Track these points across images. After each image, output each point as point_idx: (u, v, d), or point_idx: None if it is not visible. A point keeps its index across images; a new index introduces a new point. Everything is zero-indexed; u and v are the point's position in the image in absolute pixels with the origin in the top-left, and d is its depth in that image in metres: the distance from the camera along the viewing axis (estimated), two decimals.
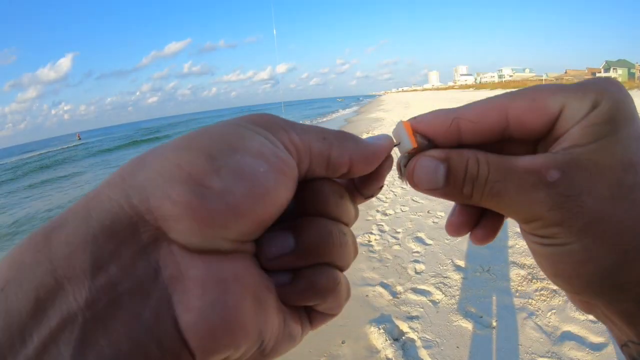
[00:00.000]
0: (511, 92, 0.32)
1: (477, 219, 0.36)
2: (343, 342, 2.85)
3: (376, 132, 13.61)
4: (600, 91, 0.29)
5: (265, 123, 0.28)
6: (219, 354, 0.23)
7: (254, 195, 0.25)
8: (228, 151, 0.25)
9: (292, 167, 0.28)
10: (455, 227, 0.36)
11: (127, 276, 0.22)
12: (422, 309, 3.08)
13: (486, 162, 0.31)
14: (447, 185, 0.32)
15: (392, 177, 7.49)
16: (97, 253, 0.22)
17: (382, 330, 2.87)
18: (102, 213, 0.23)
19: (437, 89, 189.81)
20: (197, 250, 0.24)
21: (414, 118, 0.35)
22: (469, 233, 0.37)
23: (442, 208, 5.28)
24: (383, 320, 3.01)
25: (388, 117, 23.04)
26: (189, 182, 0.23)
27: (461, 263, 3.65)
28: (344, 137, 0.31)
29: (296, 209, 0.30)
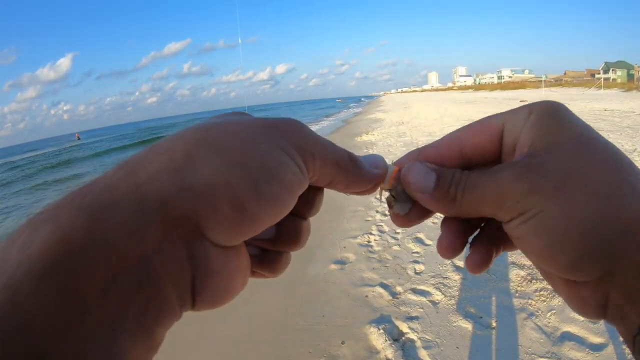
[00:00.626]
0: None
1: (465, 239, 0.39)
2: (343, 343, 2.85)
3: (376, 133, 13.56)
4: (532, 105, 0.35)
5: (297, 145, 0.32)
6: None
7: (277, 217, 0.31)
8: (268, 179, 0.29)
9: (305, 187, 0.33)
10: (446, 248, 0.38)
11: (168, 263, 0.26)
12: (421, 310, 3.07)
13: (467, 172, 0.35)
14: (436, 188, 0.35)
15: None
16: (147, 243, 0.25)
17: (381, 331, 2.86)
18: (155, 202, 0.26)
19: (437, 89, 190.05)
20: (220, 246, 0.28)
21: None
22: (466, 262, 0.39)
23: None
24: (383, 321, 3.00)
25: (387, 117, 23.06)
26: (234, 202, 0.27)
27: (461, 264, 3.64)
28: (354, 164, 0.36)
29: None
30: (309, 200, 0.37)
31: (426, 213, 0.38)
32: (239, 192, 0.28)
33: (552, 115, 0.33)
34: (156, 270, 0.25)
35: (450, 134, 0.38)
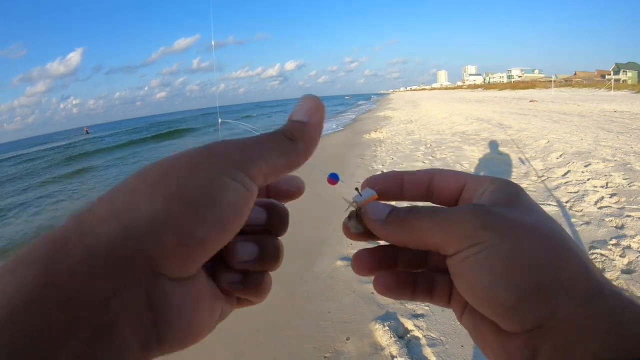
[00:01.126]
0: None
1: (390, 262, 0.42)
2: (348, 339, 2.85)
3: (384, 131, 13.51)
4: (494, 177, 0.38)
5: (235, 161, 0.32)
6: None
7: (225, 239, 0.31)
8: (209, 204, 0.29)
9: (255, 197, 0.33)
10: (364, 263, 0.41)
11: (128, 305, 0.26)
12: (427, 307, 3.06)
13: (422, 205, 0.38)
14: (389, 215, 0.36)
15: None
16: (101, 287, 0.25)
17: (387, 328, 2.86)
18: (103, 249, 0.26)
19: (446, 88, 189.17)
20: (178, 278, 0.29)
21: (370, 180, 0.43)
22: (375, 280, 0.41)
23: None
24: (388, 318, 3.00)
25: (396, 115, 23.00)
26: (179, 234, 0.28)
27: None
28: (289, 138, 0.37)
29: (262, 224, 0.39)
30: (281, 219, 0.40)
31: (373, 239, 0.40)
32: (182, 223, 0.28)
33: (512, 186, 0.36)
34: (116, 314, 0.25)
35: (428, 170, 0.41)
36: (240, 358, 2.93)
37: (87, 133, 74.96)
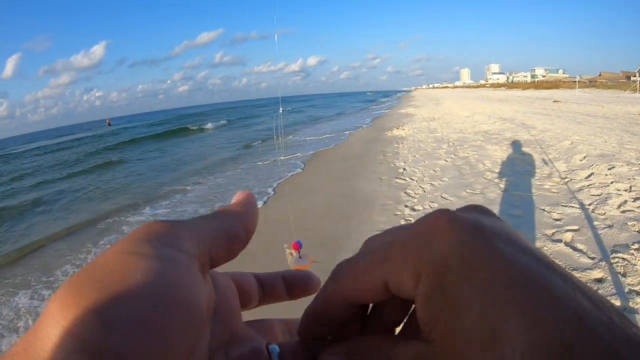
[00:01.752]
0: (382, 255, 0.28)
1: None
2: None
3: (406, 128, 13.41)
4: (420, 258, 0.24)
5: (167, 240, 0.27)
6: None
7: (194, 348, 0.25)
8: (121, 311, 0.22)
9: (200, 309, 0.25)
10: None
11: None
12: None
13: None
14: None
15: (421, 173, 7.47)
16: None
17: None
18: None
19: (468, 86, 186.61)
20: None
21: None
22: None
23: None
24: None
25: (418, 113, 22.82)
26: (86, 350, 0.21)
27: None
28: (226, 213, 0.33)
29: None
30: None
31: None
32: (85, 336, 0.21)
33: (441, 292, 0.23)
34: None
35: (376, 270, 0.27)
36: None
37: (110, 125, 74.22)
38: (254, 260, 4.03)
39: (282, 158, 10.37)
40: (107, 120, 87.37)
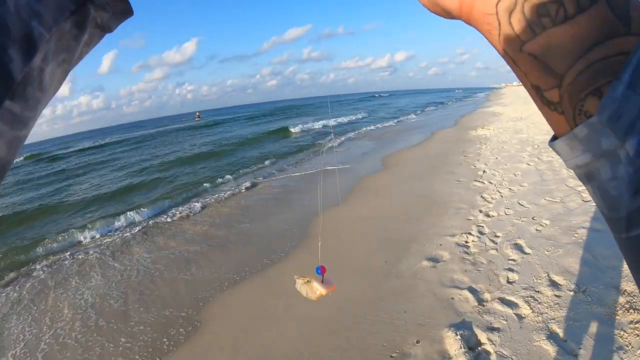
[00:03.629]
0: None
1: None
2: (417, 342, 2.82)
3: (491, 128, 12.83)
4: None
5: None
6: None
7: None
8: None
9: None
10: None
11: None
12: (505, 322, 2.91)
13: None
14: None
15: (501, 177, 7.10)
16: None
17: (459, 337, 2.78)
18: None
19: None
20: None
21: None
22: None
23: (548, 216, 4.86)
24: (462, 327, 2.91)
25: (505, 112, 21.66)
26: None
27: (558, 278, 3.37)
28: None
29: None
30: None
31: None
32: None
33: None
34: None
35: None
36: (310, 344, 3.01)
37: (199, 118, 75.72)
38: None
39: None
40: (197, 114, 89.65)
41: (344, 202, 6.77)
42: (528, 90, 0.33)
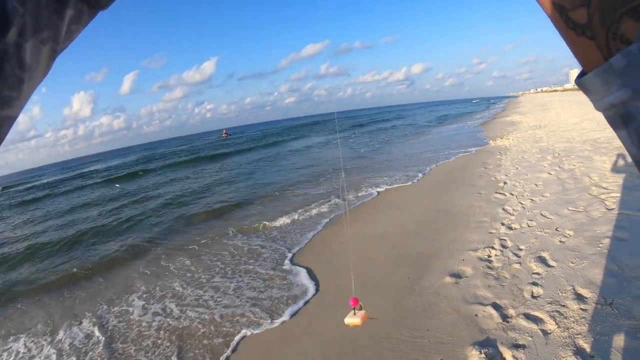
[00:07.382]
0: None
1: None
2: None
3: (511, 138, 12.60)
4: None
5: None
6: None
7: None
8: None
9: None
10: None
11: None
12: (530, 338, 2.77)
13: None
14: None
15: (522, 188, 6.90)
16: None
17: (483, 355, 2.66)
18: None
19: (578, 89, 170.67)
20: None
21: None
22: None
23: (572, 226, 4.66)
24: (487, 345, 2.78)
25: (524, 120, 21.26)
26: None
27: (583, 291, 3.20)
28: None
29: None
30: None
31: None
32: None
33: None
34: None
35: None
36: None
37: (227, 135, 72.68)
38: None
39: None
40: (224, 131, 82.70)
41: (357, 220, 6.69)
42: (550, 16, 0.28)
